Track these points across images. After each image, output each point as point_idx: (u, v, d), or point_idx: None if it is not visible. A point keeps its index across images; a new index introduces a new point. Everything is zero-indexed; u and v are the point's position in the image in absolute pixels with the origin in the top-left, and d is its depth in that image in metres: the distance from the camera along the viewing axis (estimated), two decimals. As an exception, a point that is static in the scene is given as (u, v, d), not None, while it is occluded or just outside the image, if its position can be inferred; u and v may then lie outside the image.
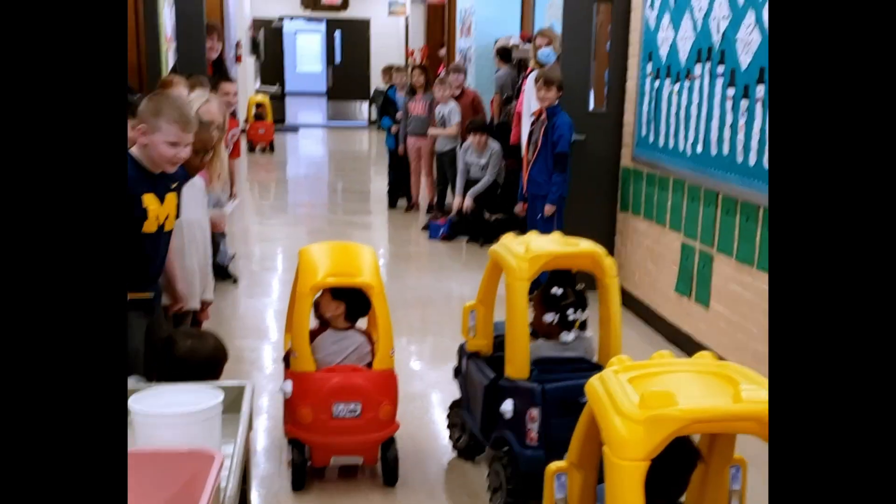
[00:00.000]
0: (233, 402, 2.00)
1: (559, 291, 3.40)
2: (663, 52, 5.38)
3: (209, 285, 3.75)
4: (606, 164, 6.19)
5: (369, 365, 3.47)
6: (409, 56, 15.57)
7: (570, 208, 6.03)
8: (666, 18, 5.33)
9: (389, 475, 3.50)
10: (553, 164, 5.78)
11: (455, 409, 3.79)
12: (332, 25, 21.95)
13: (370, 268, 3.48)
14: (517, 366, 3.14)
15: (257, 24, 19.55)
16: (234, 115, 6.04)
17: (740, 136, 4.38)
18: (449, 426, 3.86)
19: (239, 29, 15.58)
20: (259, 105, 14.75)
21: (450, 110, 8.59)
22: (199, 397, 1.75)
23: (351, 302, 3.48)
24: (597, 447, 2.14)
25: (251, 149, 14.69)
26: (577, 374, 3.03)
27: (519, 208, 6.32)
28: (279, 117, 19.44)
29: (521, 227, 6.62)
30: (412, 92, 9.15)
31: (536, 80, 5.92)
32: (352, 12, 21.41)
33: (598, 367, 3.09)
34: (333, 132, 19.01)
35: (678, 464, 2.14)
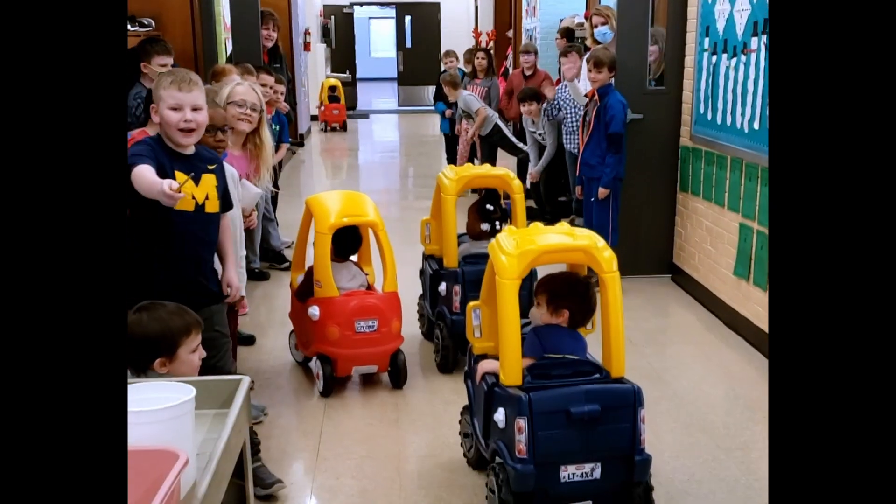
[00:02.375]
0: (228, 398, 1.95)
1: (491, 208, 4.64)
2: (720, 25, 5.18)
3: (243, 277, 3.73)
4: (665, 143, 6.00)
5: (368, 289, 4.30)
6: (477, 38, 15.40)
7: (628, 189, 5.87)
8: (723, -10, 5.13)
9: (398, 379, 4.27)
10: (606, 146, 5.62)
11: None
12: (402, 10, 21.91)
13: (373, 209, 4.28)
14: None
15: (328, 10, 19.61)
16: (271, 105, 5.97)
17: (796, 112, 4.18)
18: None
19: (308, 16, 15.65)
20: (333, 88, 15.82)
21: (464, 101, 8.50)
22: (173, 394, 1.71)
23: (339, 243, 4.23)
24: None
25: (325, 129, 15.99)
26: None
27: (577, 191, 6.17)
28: (351, 104, 19.56)
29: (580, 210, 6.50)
30: (473, 75, 9.05)
31: (588, 61, 5.77)
32: (422, -4, 21.36)
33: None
34: (405, 117, 19.01)
35: (582, 291, 3.14)
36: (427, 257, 4.88)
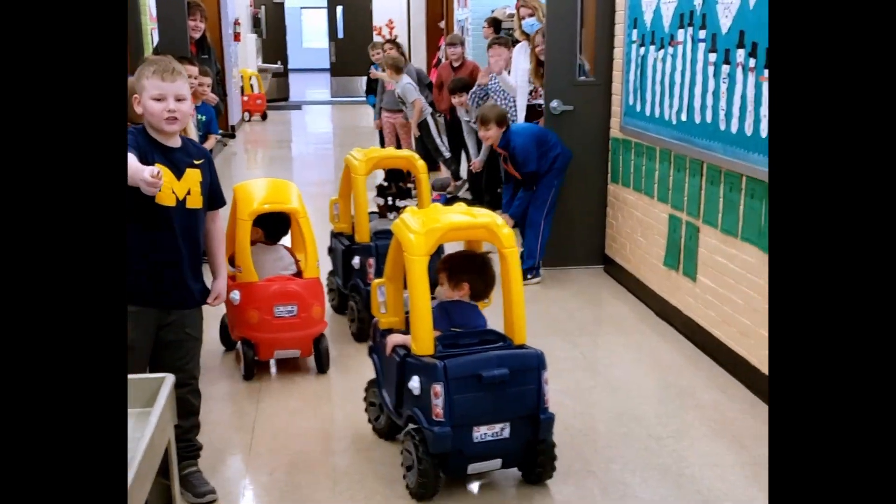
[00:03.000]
0: (152, 397, 1.90)
1: (385, 184, 5.28)
2: (648, 17, 5.23)
3: None
4: (596, 135, 6.05)
5: (296, 275, 4.38)
6: (378, 32, 15.28)
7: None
8: (650, -17, 5.17)
9: (322, 364, 4.37)
10: (526, 187, 5.79)
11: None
12: (333, 0, 21.74)
13: (297, 197, 4.43)
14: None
15: (258, 0, 19.36)
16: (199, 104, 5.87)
17: (722, 104, 4.24)
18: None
19: (238, 6, 15.44)
20: (252, 79, 16.36)
21: (402, 88, 8.42)
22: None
23: (268, 227, 4.44)
24: (401, 266, 3.30)
25: (247, 119, 16.23)
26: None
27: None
28: (283, 95, 19.36)
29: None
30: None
31: (476, 120, 5.88)
32: (353, -14, 21.19)
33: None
34: (338, 108, 18.88)
35: (479, 265, 3.40)
36: (336, 235, 5.29)
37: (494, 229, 3.19)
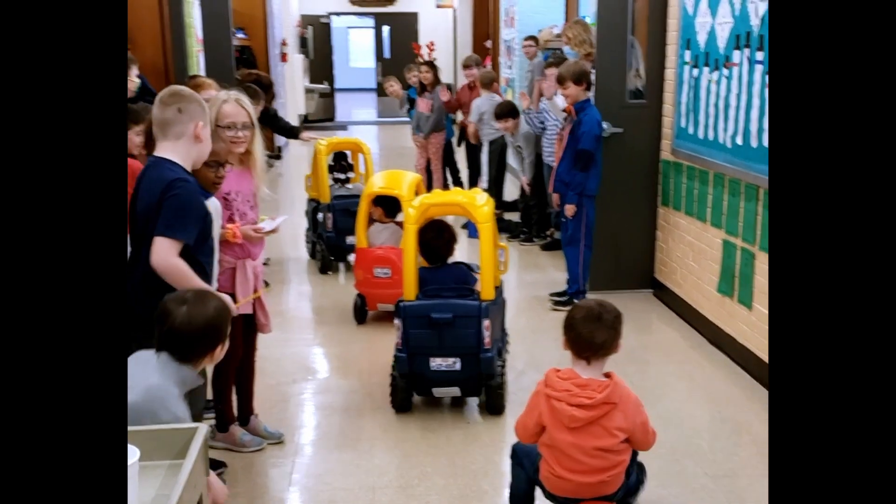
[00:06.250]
0: (185, 446, 1.81)
1: (333, 163, 7.06)
2: (701, 38, 5.10)
3: None
4: (646, 157, 5.91)
5: None
6: (417, 51, 15.13)
7: (608, 202, 5.78)
8: (704, 3, 5.04)
9: None
10: (573, 162, 5.51)
11: None
12: (380, 20, 21.82)
13: (407, 185, 5.36)
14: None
15: (305, 20, 19.47)
16: None
17: (780, 127, 4.10)
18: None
19: (285, 26, 15.50)
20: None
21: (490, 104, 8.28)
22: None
23: (387, 207, 5.74)
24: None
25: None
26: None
27: (555, 201, 6.01)
28: (329, 115, 19.39)
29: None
30: (422, 89, 8.87)
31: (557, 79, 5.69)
32: (400, 6, 21.25)
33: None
34: (384, 129, 18.85)
35: (437, 228, 4.31)
36: (309, 200, 7.05)
37: (470, 208, 4.24)
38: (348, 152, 7.28)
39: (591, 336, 2.74)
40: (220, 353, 2.55)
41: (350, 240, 6.38)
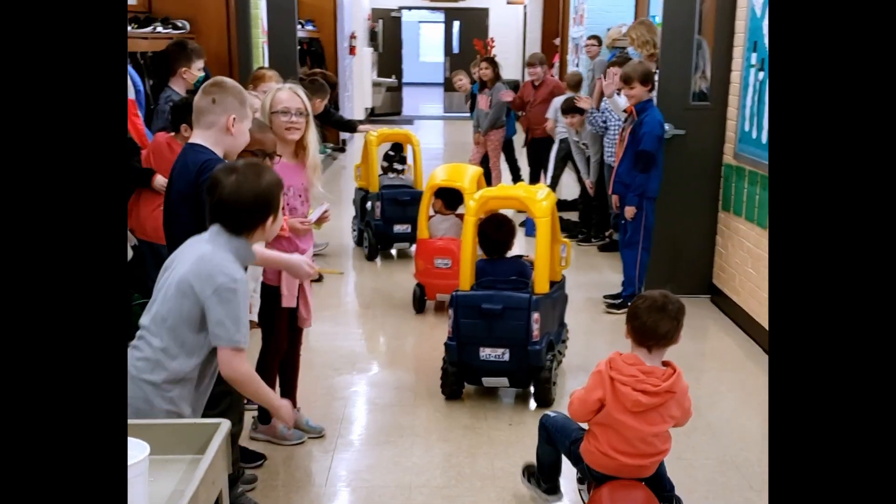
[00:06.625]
0: (207, 441, 1.80)
1: (393, 153, 7.32)
2: (768, 41, 4.97)
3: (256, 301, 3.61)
4: (708, 161, 5.79)
5: None
6: (478, 47, 14.96)
7: (668, 206, 5.68)
8: (771, 4, 4.91)
9: None
10: (634, 163, 5.41)
11: None
12: (450, 14, 21.80)
13: (469, 178, 5.49)
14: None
15: (376, 14, 19.53)
16: None
17: (845, 134, 3.97)
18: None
19: (355, 20, 15.57)
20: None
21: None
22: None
23: (447, 199, 5.84)
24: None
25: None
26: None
27: (614, 202, 5.92)
28: (396, 109, 19.44)
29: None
30: (482, 86, 8.81)
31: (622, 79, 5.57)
32: (471, 2, 21.20)
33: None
34: (450, 124, 18.81)
35: (496, 221, 4.45)
36: (358, 189, 7.28)
37: (529, 202, 4.34)
38: (407, 145, 7.39)
39: (654, 326, 2.80)
40: (273, 226, 2.54)
41: (397, 228, 6.82)
